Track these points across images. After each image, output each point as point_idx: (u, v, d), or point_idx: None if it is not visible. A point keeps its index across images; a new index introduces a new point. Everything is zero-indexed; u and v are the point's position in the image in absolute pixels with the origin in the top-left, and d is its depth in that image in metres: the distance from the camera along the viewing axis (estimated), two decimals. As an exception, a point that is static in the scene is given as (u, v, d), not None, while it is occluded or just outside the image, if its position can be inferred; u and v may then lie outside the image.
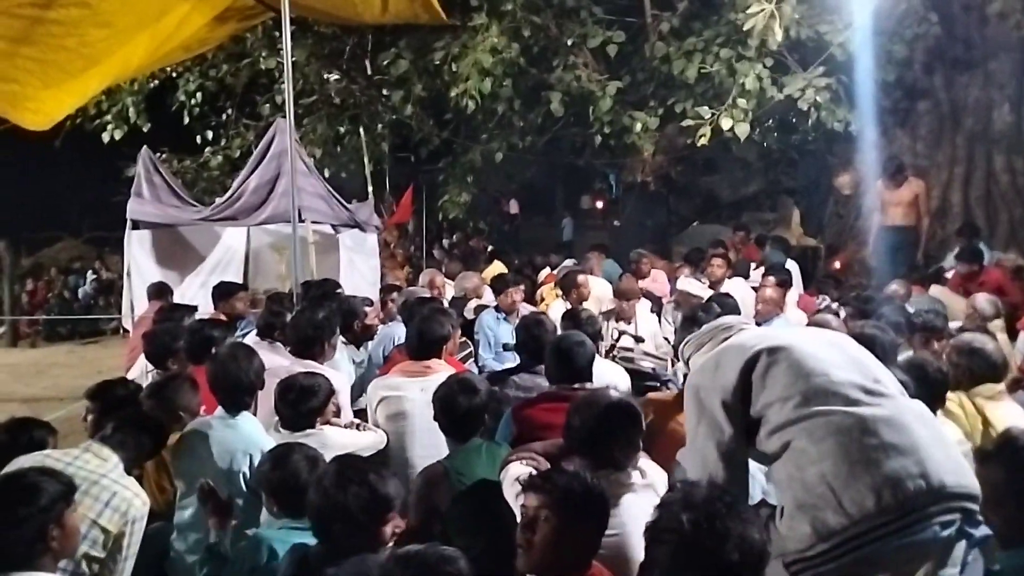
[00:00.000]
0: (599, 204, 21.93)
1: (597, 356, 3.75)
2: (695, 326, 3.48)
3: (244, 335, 5.42)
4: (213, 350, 4.59)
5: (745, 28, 7.81)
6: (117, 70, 5.19)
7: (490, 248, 13.53)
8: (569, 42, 9.60)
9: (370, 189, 11.16)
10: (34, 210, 18.36)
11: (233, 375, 3.57)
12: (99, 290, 17.00)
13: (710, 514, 1.84)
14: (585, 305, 6.86)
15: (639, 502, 2.54)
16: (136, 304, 8.22)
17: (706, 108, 8.46)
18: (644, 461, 2.76)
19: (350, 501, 2.31)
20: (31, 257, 18.68)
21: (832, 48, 8.22)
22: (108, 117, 11.14)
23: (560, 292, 7.17)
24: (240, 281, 9.23)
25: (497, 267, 9.52)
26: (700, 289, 6.69)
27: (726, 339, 2.54)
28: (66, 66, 4.71)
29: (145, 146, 8.54)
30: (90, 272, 17.46)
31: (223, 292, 6.65)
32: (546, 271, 9.39)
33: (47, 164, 15.92)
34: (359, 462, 2.51)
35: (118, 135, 11.15)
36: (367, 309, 5.60)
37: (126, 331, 10.20)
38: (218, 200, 8.65)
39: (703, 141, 8.40)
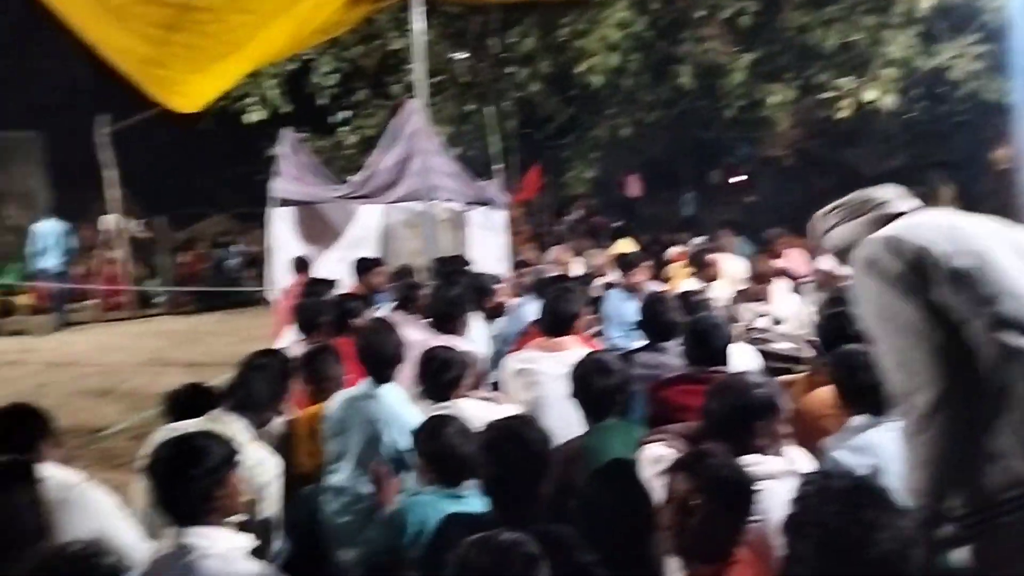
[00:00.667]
0: (729, 180, 21.24)
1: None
2: (839, 307, 3.34)
3: (378, 308, 5.62)
4: (353, 322, 4.80)
5: (890, -6, 7.35)
6: (258, 54, 5.45)
7: (615, 225, 13.38)
8: (699, 14, 9.32)
9: (497, 167, 11.23)
10: (186, 187, 19.70)
11: (378, 348, 3.71)
12: (245, 263, 17.97)
13: (855, 504, 1.76)
14: (716, 285, 6.70)
15: (782, 489, 2.48)
16: (278, 277, 8.68)
17: (847, 79, 8.03)
18: (787, 446, 2.69)
19: (521, 465, 2.41)
20: (185, 231, 19.92)
21: (986, 14, 7.61)
22: (250, 100, 11.69)
23: (691, 271, 7.02)
24: (376, 256, 9.63)
25: (623, 245, 9.42)
26: (842, 268, 6.38)
27: (882, 216, 2.24)
28: (211, 51, 4.98)
29: (291, 128, 8.94)
30: (234, 247, 18.48)
31: (363, 267, 6.92)
32: (675, 249, 9.22)
33: (197, 144, 16.95)
34: (526, 428, 2.57)
35: (259, 117, 11.68)
36: (496, 286, 5.68)
37: (268, 302, 10.83)
38: (354, 178, 8.97)
39: (843, 114, 8.00)
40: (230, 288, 15.00)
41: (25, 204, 16.53)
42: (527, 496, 2.43)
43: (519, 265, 7.31)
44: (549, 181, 14.77)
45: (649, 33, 9.31)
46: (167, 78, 4.97)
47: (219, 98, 9.46)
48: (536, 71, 10.41)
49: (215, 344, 10.92)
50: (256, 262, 17.48)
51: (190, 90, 5.14)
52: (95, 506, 2.60)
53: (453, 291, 4.69)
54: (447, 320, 4.55)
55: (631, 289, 6.37)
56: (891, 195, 2.34)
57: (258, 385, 3.34)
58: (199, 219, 20.26)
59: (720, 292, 6.59)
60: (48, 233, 14.01)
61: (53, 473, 2.57)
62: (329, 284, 6.31)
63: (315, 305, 5.08)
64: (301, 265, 7.96)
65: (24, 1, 5.50)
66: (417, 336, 4.81)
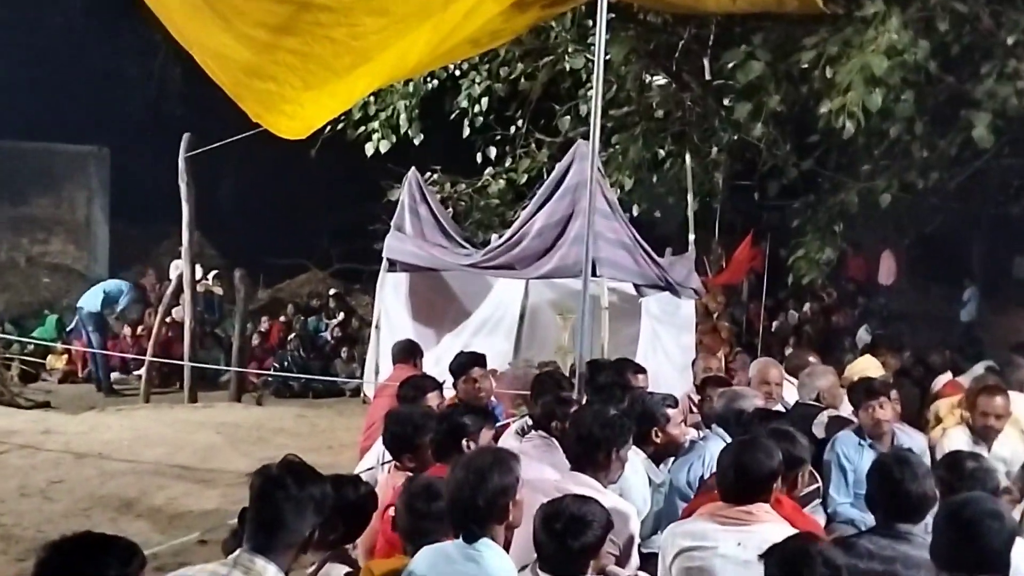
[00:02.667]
0: (1035, 277, 20.18)
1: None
2: None
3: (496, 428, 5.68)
4: (465, 444, 4.84)
5: None
6: (391, 68, 5.44)
7: (863, 332, 12.98)
8: (1010, 40, 9.03)
9: (691, 236, 11.26)
10: (278, 232, 20.80)
11: (465, 495, 3.72)
12: (342, 338, 18.71)
13: None
14: (1004, 441, 6.33)
15: None
16: (382, 364, 8.98)
17: None
18: None
19: None
20: (269, 289, 21.03)
21: None
22: (375, 124, 12.34)
23: (965, 415, 6.65)
24: (510, 346, 9.82)
25: (867, 363, 9.05)
26: None
27: None
28: (332, 62, 5.06)
29: (413, 168, 9.38)
30: (332, 316, 19.29)
31: (461, 364, 7.09)
32: (944, 377, 8.75)
33: (297, 178, 18.03)
34: None
35: (384, 147, 12.31)
36: (670, 411, 5.59)
37: (365, 396, 11.18)
38: (494, 240, 9.23)
39: None
40: (314, 377, 15.61)
41: (74, 236, 18.06)
42: None
43: (708, 383, 7.14)
44: (766, 260, 14.59)
45: (931, 64, 9.10)
46: (273, 94, 4.97)
47: (335, 119, 10.09)
48: (762, 107, 10.36)
49: (285, 446, 11.29)
50: (356, 339, 18.23)
51: (300, 111, 5.14)
52: None
53: (606, 414, 4.66)
54: (591, 453, 4.53)
55: (873, 433, 6.13)
56: None
57: (300, 519, 3.40)
58: (289, 275, 21.42)
59: (1009, 453, 6.26)
60: (113, 291, 15.33)
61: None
62: (436, 385, 6.42)
63: (413, 418, 5.15)
64: (408, 352, 8.13)
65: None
66: (548, 474, 4.79)
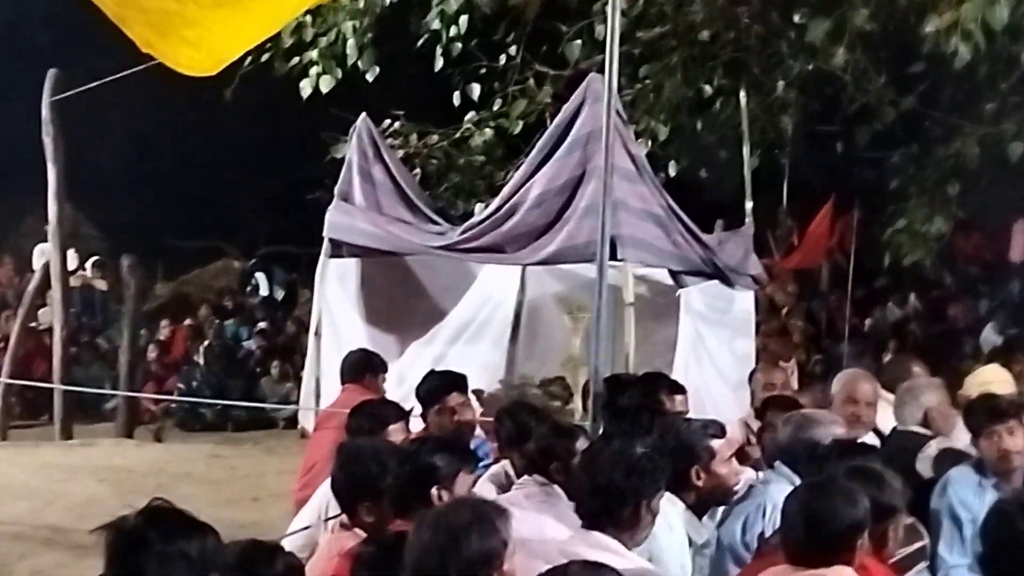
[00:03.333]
0: None
1: None
2: None
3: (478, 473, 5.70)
4: (435, 494, 4.86)
5: None
6: None
7: (988, 331, 12.95)
8: None
9: (749, 204, 11.21)
10: (181, 204, 20.73)
11: (432, 565, 3.73)
12: (270, 349, 18.74)
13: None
14: None
15: None
16: (326, 384, 9.02)
17: None
18: None
19: None
20: (170, 283, 20.98)
21: None
22: (312, 54, 12.26)
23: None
24: (502, 358, 9.83)
25: (994, 374, 9.07)
26: None
27: None
28: None
29: (364, 115, 9.34)
30: (258, 319, 19.29)
31: (434, 388, 7.08)
32: (1097, 393, 8.80)
33: (207, 130, 17.98)
34: None
35: (326, 85, 12.21)
36: (717, 443, 5.61)
37: (302, 429, 11.17)
38: (478, 212, 9.22)
39: None
40: (233, 403, 15.63)
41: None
42: None
43: (772, 405, 7.16)
44: (853, 236, 14.63)
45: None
46: (170, 15, 4.97)
47: (258, 48, 10.02)
48: (845, 25, 10.39)
49: (193, 497, 11.29)
50: (290, 349, 18.24)
51: (208, 37, 5.15)
52: None
53: (631, 453, 4.67)
54: (611, 512, 4.54)
55: (998, 468, 6.15)
56: None
57: None
58: (198, 263, 21.35)
59: None
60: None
61: None
62: (401, 413, 6.42)
63: (372, 455, 5.16)
64: (362, 367, 8.15)
65: None
66: (552, 532, 4.81)
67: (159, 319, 19.03)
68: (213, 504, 10.76)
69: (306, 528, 5.86)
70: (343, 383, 8.11)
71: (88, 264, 18.05)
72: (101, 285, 18.41)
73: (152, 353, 17.91)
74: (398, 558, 3.99)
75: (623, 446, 4.83)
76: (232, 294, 20.79)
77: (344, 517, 5.11)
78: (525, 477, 5.70)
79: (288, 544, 5.58)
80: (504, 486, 6.07)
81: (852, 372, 8.02)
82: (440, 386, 7.10)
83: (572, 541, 4.54)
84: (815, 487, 4.36)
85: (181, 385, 16.90)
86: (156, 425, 15.80)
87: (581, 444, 5.57)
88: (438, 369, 7.77)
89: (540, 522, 4.91)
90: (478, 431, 7.44)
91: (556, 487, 5.45)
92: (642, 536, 4.67)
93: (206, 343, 18.31)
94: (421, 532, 3.83)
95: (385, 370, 8.17)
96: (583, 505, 4.74)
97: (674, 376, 7.66)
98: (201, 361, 17.73)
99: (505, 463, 6.40)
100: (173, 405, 16.28)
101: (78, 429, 14.53)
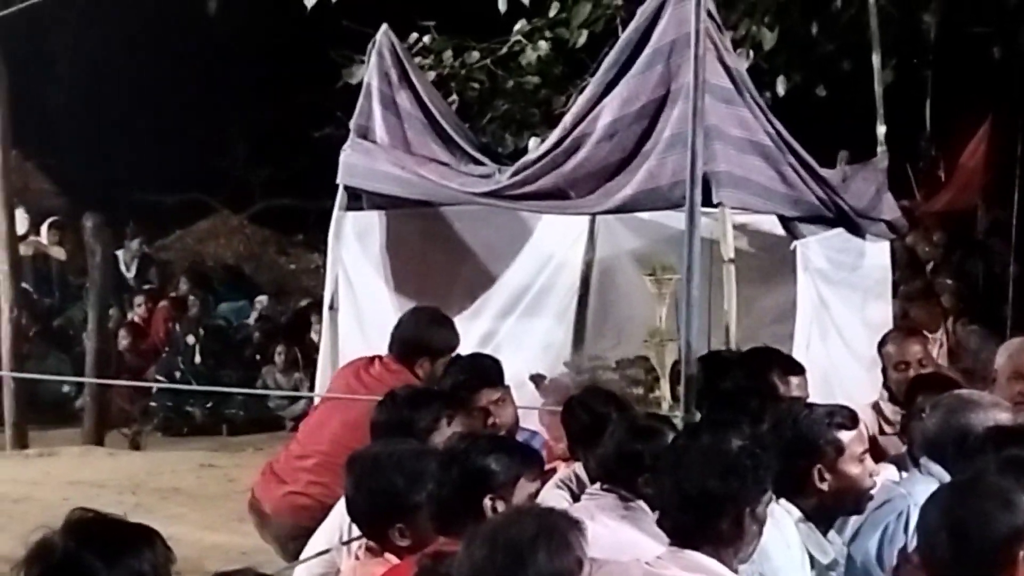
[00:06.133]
0: None
1: None
2: None
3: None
4: (488, 505, 4.90)
5: None
6: None
7: None
8: None
9: (882, 129, 11.16)
10: (156, 149, 20.81)
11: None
12: (273, 330, 18.81)
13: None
14: None
15: None
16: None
17: None
18: None
19: None
20: (148, 247, 21.08)
21: None
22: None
23: None
24: (567, 334, 9.84)
25: None
26: None
27: None
28: None
29: (386, 26, 9.32)
30: (256, 291, 19.38)
31: (457, 385, 7.07)
32: None
33: (188, 51, 18.03)
34: None
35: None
36: (846, 436, 5.60)
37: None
38: (532, 148, 9.21)
39: None
40: (229, 390, 15.73)
41: None
42: None
43: (918, 386, 7.15)
44: (1019, 169, 14.55)
45: None
46: None
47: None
48: None
49: (182, 519, 11.42)
50: (298, 330, 18.28)
51: None
52: None
53: (727, 449, 4.68)
54: (705, 524, 4.56)
55: None
56: None
57: None
58: (180, 223, 21.43)
59: None
60: None
61: None
62: (455, 404, 6.43)
63: (400, 460, 5.20)
64: (419, 344, 8.07)
65: None
66: (637, 539, 4.86)
67: (132, 295, 19.12)
68: (207, 526, 10.90)
69: (325, 552, 5.90)
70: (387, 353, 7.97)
71: (43, 228, 18.15)
72: (59, 253, 18.50)
73: (124, 340, 17.99)
74: None
75: (715, 440, 4.82)
76: (224, 260, 20.89)
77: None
78: (598, 486, 5.73)
79: (302, 573, 5.64)
80: (578, 495, 6.08)
81: (1021, 341, 8.00)
82: (467, 381, 7.13)
83: (660, 563, 4.55)
84: (961, 487, 4.34)
85: (160, 377, 16.90)
86: (133, 429, 15.88)
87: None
88: (473, 353, 7.78)
89: (620, 538, 4.91)
90: (537, 426, 7.51)
91: (640, 501, 5.47)
92: (747, 553, 4.64)
93: (191, 325, 18.37)
94: (474, 549, 3.83)
95: (450, 351, 7.98)
96: (670, 518, 4.74)
97: (792, 353, 7.66)
98: (185, 345, 17.78)
99: (577, 466, 6.41)
100: (154, 404, 16.37)
101: (35, 436, 14.66)
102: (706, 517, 4.55)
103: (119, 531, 3.55)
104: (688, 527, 4.60)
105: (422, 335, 7.83)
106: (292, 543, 6.76)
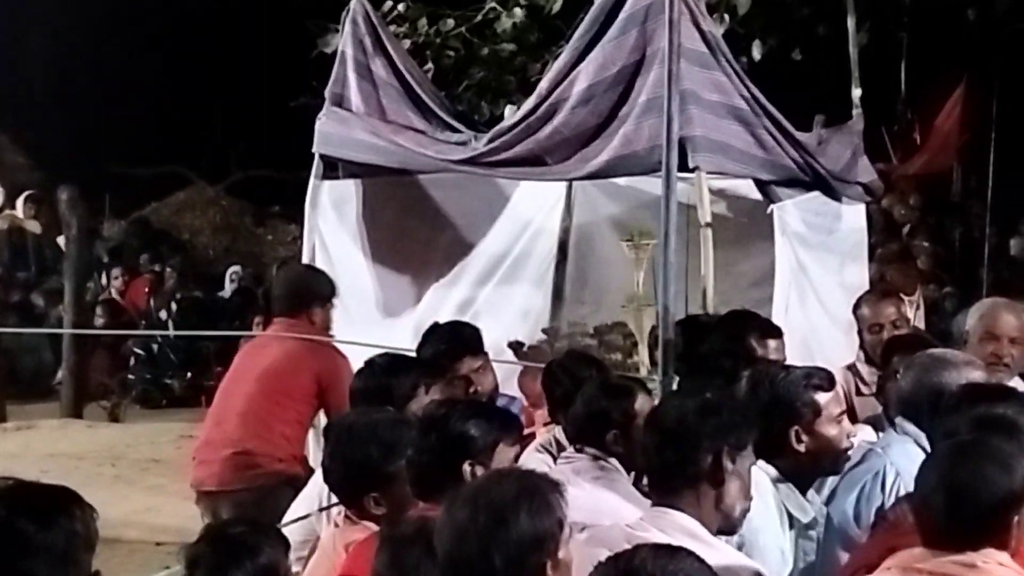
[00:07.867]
0: None
1: None
2: None
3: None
4: (467, 470, 4.91)
5: None
6: None
7: None
8: None
9: (857, 91, 11.18)
10: (133, 121, 20.76)
11: (471, 551, 3.76)
12: (251, 299, 18.78)
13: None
14: None
15: None
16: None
17: None
18: None
19: None
20: (123, 221, 21.06)
21: None
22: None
23: None
24: (545, 300, 9.86)
25: None
26: None
27: None
28: None
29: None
30: (234, 262, 19.37)
31: (437, 354, 6.98)
32: None
33: (163, 20, 17.99)
34: None
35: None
36: (822, 397, 5.62)
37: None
38: (508, 115, 9.21)
39: None
40: (207, 333, 15.71)
41: None
42: None
43: (893, 347, 7.18)
44: (993, 130, 14.59)
45: None
46: None
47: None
48: None
49: (161, 490, 11.41)
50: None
51: None
52: None
53: (697, 396, 4.70)
54: (680, 475, 4.53)
55: None
56: None
57: None
58: (157, 195, 21.40)
59: None
60: None
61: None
62: (419, 369, 6.45)
63: (367, 433, 5.20)
64: (304, 294, 8.10)
65: None
66: (614, 504, 4.87)
67: (110, 268, 19.09)
68: (187, 496, 10.85)
69: (305, 517, 5.90)
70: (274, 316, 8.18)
71: (18, 202, 18.11)
72: (34, 227, 18.46)
73: (102, 314, 17.95)
74: (425, 550, 4.06)
75: (693, 391, 4.83)
76: (201, 231, 20.88)
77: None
78: (572, 449, 5.76)
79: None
80: (557, 457, 6.10)
81: (992, 302, 8.02)
82: (448, 349, 7.07)
83: (641, 524, 4.50)
84: (962, 447, 4.33)
85: (138, 351, 16.93)
86: (111, 401, 15.86)
87: (643, 402, 5.62)
88: (453, 321, 7.78)
89: (597, 500, 4.93)
90: (516, 392, 7.52)
91: (613, 460, 5.51)
92: (735, 516, 4.59)
93: (169, 296, 18.38)
94: (455, 511, 3.83)
95: (332, 296, 8.10)
96: (649, 468, 4.74)
97: (771, 317, 7.69)
98: (164, 318, 17.78)
99: (557, 430, 6.43)
100: (132, 376, 16.37)
101: (13, 410, 14.64)
102: (683, 458, 4.51)
103: (47, 495, 3.57)
104: (668, 471, 4.58)
105: (306, 285, 8.09)
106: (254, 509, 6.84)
